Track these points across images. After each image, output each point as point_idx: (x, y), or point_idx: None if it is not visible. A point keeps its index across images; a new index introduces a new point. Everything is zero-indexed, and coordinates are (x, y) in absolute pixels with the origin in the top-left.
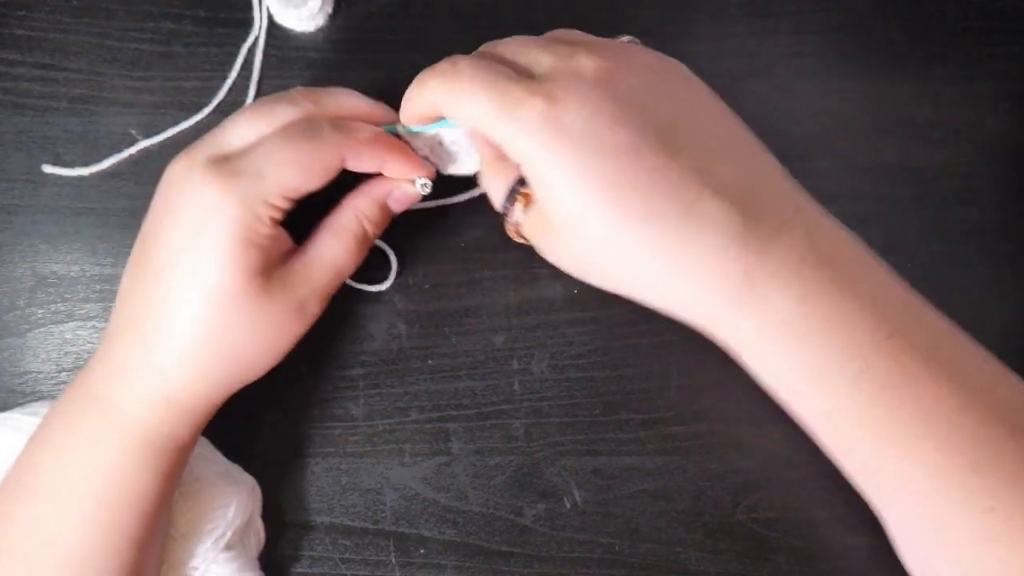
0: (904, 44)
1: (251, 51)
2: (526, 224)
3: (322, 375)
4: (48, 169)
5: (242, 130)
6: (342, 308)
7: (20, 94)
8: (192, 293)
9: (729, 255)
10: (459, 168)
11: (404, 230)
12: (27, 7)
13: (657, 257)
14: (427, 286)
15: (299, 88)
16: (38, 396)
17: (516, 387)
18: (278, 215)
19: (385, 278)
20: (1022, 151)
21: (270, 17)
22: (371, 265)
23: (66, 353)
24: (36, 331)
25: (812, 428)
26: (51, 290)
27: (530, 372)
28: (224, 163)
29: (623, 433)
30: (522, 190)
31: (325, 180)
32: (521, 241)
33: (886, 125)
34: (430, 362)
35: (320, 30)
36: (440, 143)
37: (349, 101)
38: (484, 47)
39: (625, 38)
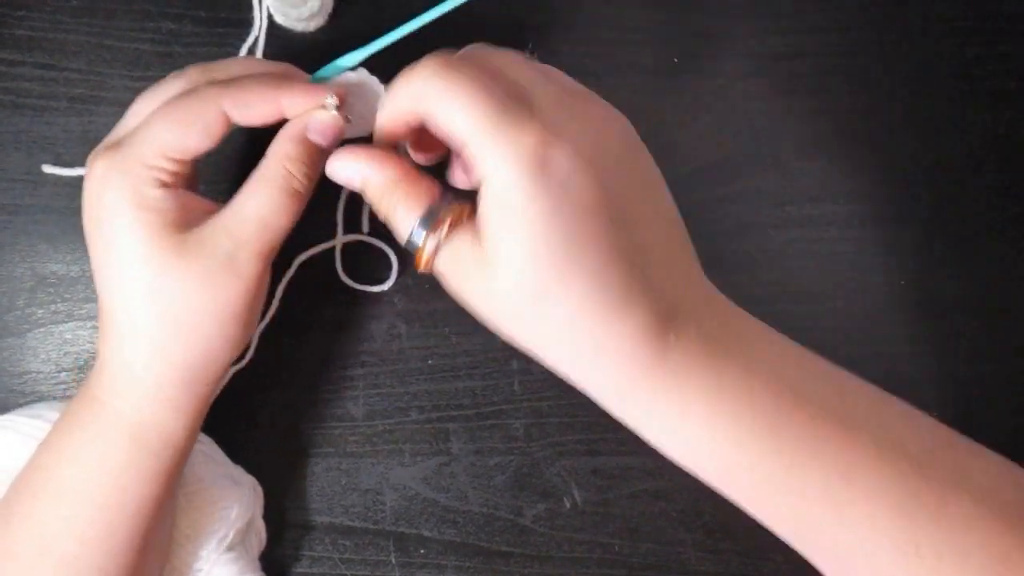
0: (904, 43)
1: (251, 51)
2: (445, 254)
3: (322, 375)
4: (48, 169)
5: (137, 112)
6: (343, 308)
7: (20, 94)
8: (114, 267)
9: (650, 337)
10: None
11: None
12: (27, 7)
13: (589, 325)
14: (427, 286)
15: (193, 64)
16: (38, 396)
17: (516, 387)
18: (165, 176)
19: (386, 278)
20: (1022, 151)
21: (270, 17)
22: (372, 265)
23: (66, 353)
24: (36, 331)
25: (736, 500)
26: (51, 290)
27: (530, 372)
28: (115, 144)
29: (623, 433)
30: (442, 215)
31: (210, 136)
32: (426, 272)
33: (886, 125)
34: (430, 362)
35: (320, 30)
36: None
37: (243, 66)
38: (470, 51)
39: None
